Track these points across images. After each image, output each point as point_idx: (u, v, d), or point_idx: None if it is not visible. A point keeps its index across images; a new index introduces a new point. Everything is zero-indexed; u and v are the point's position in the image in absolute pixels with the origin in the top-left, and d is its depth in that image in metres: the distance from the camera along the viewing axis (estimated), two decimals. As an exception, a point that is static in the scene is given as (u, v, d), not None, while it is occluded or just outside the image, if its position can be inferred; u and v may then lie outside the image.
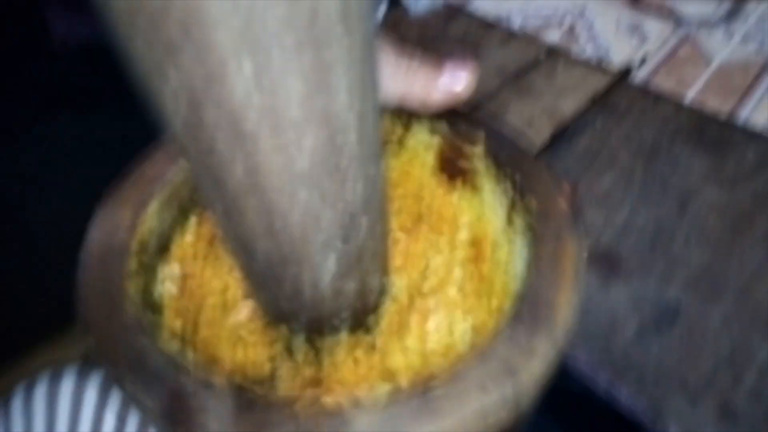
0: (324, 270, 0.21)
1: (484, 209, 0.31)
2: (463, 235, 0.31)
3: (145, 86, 0.17)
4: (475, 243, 0.31)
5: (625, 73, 0.72)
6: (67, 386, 0.32)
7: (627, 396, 0.43)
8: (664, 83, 0.70)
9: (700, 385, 0.43)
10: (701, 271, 0.51)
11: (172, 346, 0.23)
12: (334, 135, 0.17)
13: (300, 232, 0.19)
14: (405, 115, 0.31)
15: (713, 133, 0.64)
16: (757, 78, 0.71)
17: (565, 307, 0.22)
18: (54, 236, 0.42)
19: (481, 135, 0.30)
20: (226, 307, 0.29)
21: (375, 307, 0.26)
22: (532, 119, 0.67)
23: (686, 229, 0.54)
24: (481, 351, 0.20)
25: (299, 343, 0.25)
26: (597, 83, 0.71)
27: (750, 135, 0.63)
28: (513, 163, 0.29)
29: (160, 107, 0.17)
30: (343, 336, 0.26)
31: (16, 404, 0.31)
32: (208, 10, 0.13)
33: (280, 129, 0.16)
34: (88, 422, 0.30)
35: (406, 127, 0.32)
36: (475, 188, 0.31)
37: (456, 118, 0.31)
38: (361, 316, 0.25)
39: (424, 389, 0.19)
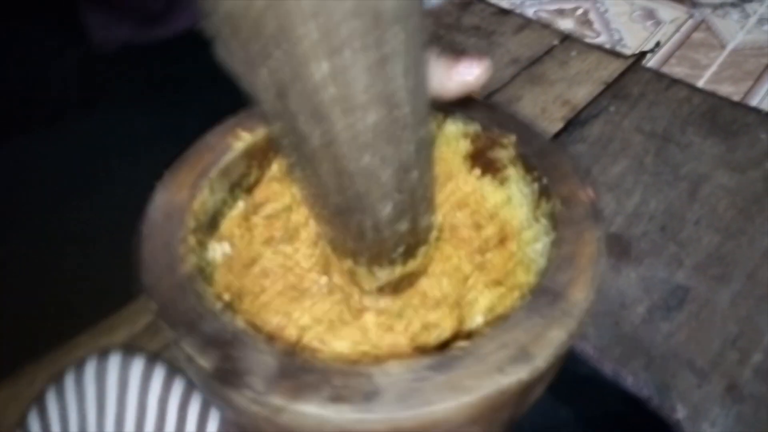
0: (383, 215, 0.25)
1: (510, 200, 0.32)
2: (489, 219, 0.33)
3: (240, 78, 0.21)
4: (500, 228, 0.32)
5: (639, 58, 0.73)
6: (113, 368, 0.35)
7: (634, 376, 0.44)
8: (678, 68, 0.71)
9: (707, 366, 0.45)
10: (711, 254, 0.52)
11: (224, 313, 0.25)
12: (392, 110, 0.21)
13: (364, 188, 0.23)
14: (444, 106, 0.33)
15: (726, 117, 0.64)
16: (773, 60, 0.71)
17: (582, 303, 0.24)
18: (98, 228, 0.44)
19: (512, 129, 0.32)
20: (268, 278, 0.32)
21: (425, 240, 0.29)
22: (545, 106, 0.68)
23: (697, 213, 0.55)
24: (501, 335, 0.22)
25: (363, 272, 0.28)
26: (610, 69, 0.72)
27: (764, 117, 0.63)
28: (540, 159, 0.30)
29: (252, 95, 0.21)
30: (398, 269, 0.29)
31: (69, 385, 0.34)
32: (295, 23, 0.17)
33: (349, 111, 0.20)
34: (133, 407, 0.33)
35: (445, 116, 0.33)
36: (503, 180, 0.33)
37: (490, 111, 0.33)
38: (414, 250, 0.28)
39: (447, 364, 0.21)
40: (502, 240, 0.33)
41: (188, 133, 0.32)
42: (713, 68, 0.70)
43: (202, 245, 0.29)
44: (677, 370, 0.45)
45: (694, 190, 0.57)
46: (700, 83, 0.68)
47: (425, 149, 0.25)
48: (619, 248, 0.53)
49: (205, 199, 0.30)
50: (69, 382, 0.34)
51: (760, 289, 0.49)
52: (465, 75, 0.31)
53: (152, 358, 0.36)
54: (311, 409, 0.20)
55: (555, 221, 0.27)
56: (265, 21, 0.17)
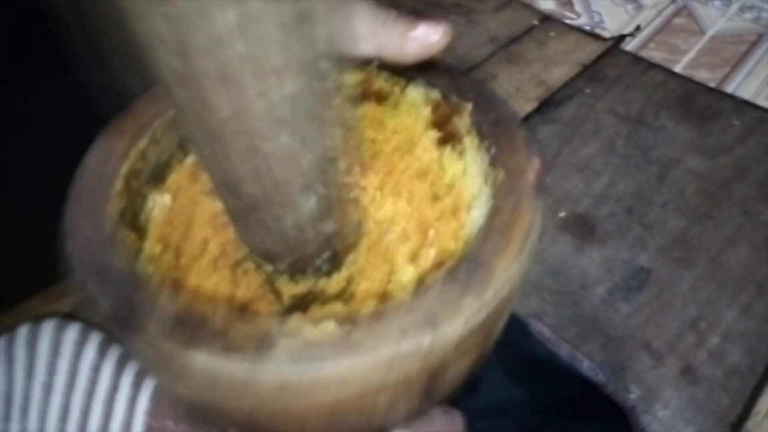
0: (305, 212, 0.23)
1: (466, 171, 0.32)
2: (447, 190, 0.32)
3: (137, 36, 0.18)
4: (455, 200, 0.32)
5: (618, 41, 0.72)
6: (46, 335, 0.33)
7: (590, 359, 0.43)
8: (657, 53, 0.70)
9: (663, 347, 0.44)
10: (675, 237, 0.51)
11: (144, 267, 0.24)
12: (313, 82, 0.19)
13: (282, 175, 0.21)
14: (406, 71, 0.32)
15: (701, 102, 0.63)
16: (752, 47, 0.70)
17: (502, 272, 0.22)
18: (38, 192, 0.43)
19: (471, 96, 0.31)
20: (209, 242, 0.31)
21: (353, 247, 0.27)
22: (520, 85, 0.67)
23: (665, 196, 0.55)
24: (413, 301, 0.21)
25: (283, 281, 0.27)
26: (588, 51, 0.71)
27: (738, 104, 0.63)
28: (493, 129, 0.29)
29: (151, 58, 0.18)
30: (322, 281, 0.27)
31: (20, 343, 0.33)
32: None
33: (262, 75, 0.18)
34: (64, 373, 0.32)
35: (408, 80, 0.32)
36: (461, 150, 0.32)
37: (452, 77, 0.32)
38: (341, 258, 0.27)
39: (349, 327, 0.20)
40: (454, 211, 0.32)
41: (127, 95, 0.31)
42: (691, 54, 0.69)
43: (139, 194, 0.28)
44: (633, 351, 0.44)
45: (664, 174, 0.56)
46: (678, 68, 0.68)
47: (353, 137, 0.23)
48: (583, 228, 0.52)
49: (146, 147, 0.29)
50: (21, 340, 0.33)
51: (721, 274, 0.48)
52: (423, 38, 0.30)
53: (89, 326, 0.35)
54: (201, 357, 0.19)
55: (497, 190, 0.27)
56: None
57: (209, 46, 0.17)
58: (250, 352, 0.19)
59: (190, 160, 0.31)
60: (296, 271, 0.26)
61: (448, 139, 0.32)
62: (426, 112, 0.32)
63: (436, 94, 0.31)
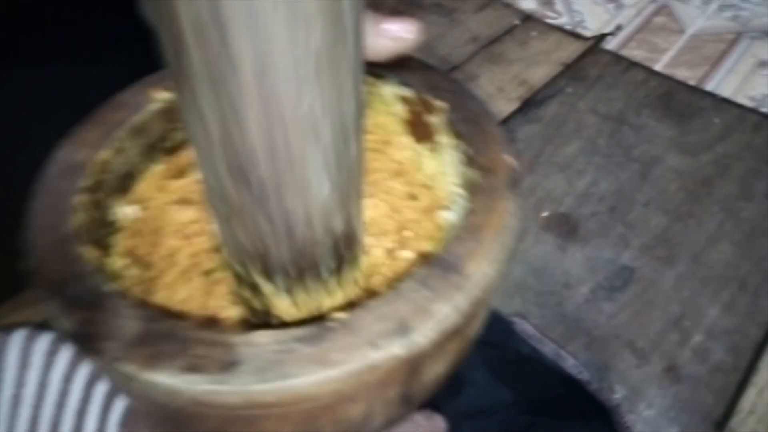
0: (318, 201, 0.21)
1: (443, 169, 0.31)
2: (424, 190, 0.32)
3: None
4: (432, 199, 0.31)
5: (599, 41, 0.72)
6: (15, 345, 0.32)
7: (575, 357, 0.43)
8: (637, 51, 0.70)
9: (647, 346, 0.44)
10: (657, 236, 0.51)
11: (108, 283, 0.23)
12: (337, 41, 0.17)
13: (300, 150, 0.19)
14: (379, 69, 0.31)
15: (681, 101, 0.63)
16: (731, 45, 0.70)
17: (475, 276, 0.22)
18: (8, 194, 0.42)
19: (446, 93, 0.30)
20: (180, 252, 0.30)
21: (356, 260, 0.25)
22: (502, 85, 0.67)
23: (647, 194, 0.54)
24: (381, 308, 0.20)
25: (284, 306, 0.24)
26: (570, 51, 0.71)
27: (718, 101, 0.63)
28: (469, 129, 0.29)
29: (167, 12, 0.16)
30: (326, 300, 0.25)
31: None
32: None
33: (293, 22, 0.16)
34: (33, 385, 0.31)
35: (380, 78, 0.32)
36: (436, 148, 0.31)
37: (426, 73, 0.31)
38: (346, 269, 0.25)
39: (317, 336, 0.19)
40: (429, 211, 0.31)
41: (108, 93, 0.30)
42: (671, 52, 0.70)
43: (103, 206, 0.27)
44: (617, 351, 0.44)
45: (646, 172, 0.56)
46: (658, 67, 0.68)
47: (362, 120, 0.21)
48: (566, 228, 0.52)
49: (109, 157, 0.28)
50: None
51: (704, 271, 0.48)
52: (395, 35, 0.29)
53: (61, 336, 0.34)
54: (162, 378, 0.18)
55: (473, 192, 0.26)
56: None
57: None
58: (213, 371, 0.18)
59: (158, 168, 0.30)
60: (301, 286, 0.24)
61: (422, 137, 0.32)
62: (400, 110, 0.32)
63: (410, 93, 0.31)
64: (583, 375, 0.42)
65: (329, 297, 0.25)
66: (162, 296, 0.27)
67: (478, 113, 0.29)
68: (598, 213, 0.53)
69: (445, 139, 0.31)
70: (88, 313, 0.20)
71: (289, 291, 0.24)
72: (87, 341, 0.20)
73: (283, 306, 0.24)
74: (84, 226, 0.25)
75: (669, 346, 0.44)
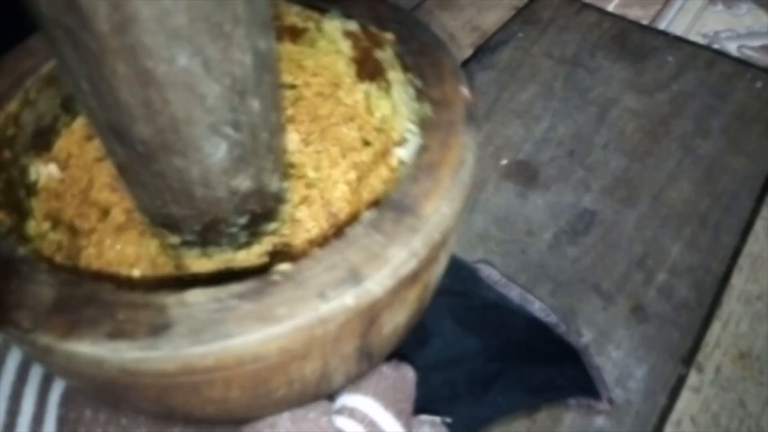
0: (214, 162, 0.19)
1: (395, 109, 0.29)
2: (376, 134, 0.30)
3: None
4: (385, 143, 0.29)
5: (550, -18, 0.70)
6: None
7: (541, 302, 0.42)
8: (589, -8, 0.68)
9: (612, 288, 0.44)
10: (617, 177, 0.50)
11: (25, 248, 0.20)
12: None
13: (183, 111, 0.17)
14: (319, 1, 0.29)
15: (635, 40, 0.62)
16: (681, -15, 0.69)
17: (432, 216, 0.20)
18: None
19: (393, 24, 0.28)
20: (106, 212, 0.27)
21: (274, 214, 0.24)
22: (454, 32, 0.65)
23: (605, 137, 0.53)
24: (330, 256, 0.18)
25: (192, 256, 0.23)
26: (521, -6, 0.69)
27: (671, 40, 0.62)
28: (419, 58, 0.26)
29: None
30: (241, 254, 0.24)
31: None
32: None
33: None
34: None
35: (322, 12, 0.29)
36: (387, 86, 0.29)
37: (370, 3, 0.29)
38: (260, 225, 0.23)
39: (259, 291, 0.17)
40: (383, 154, 0.29)
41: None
42: (623, -8, 0.68)
43: (14, 165, 0.24)
44: (583, 294, 0.43)
45: (603, 114, 0.55)
46: (610, 7, 0.66)
47: (268, 73, 0.19)
48: (526, 175, 0.51)
49: (17, 111, 0.24)
50: None
51: (665, 210, 0.48)
52: None
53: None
54: (83, 348, 0.16)
55: (425, 127, 0.24)
56: None
57: None
58: (141, 336, 0.16)
59: (79, 122, 0.27)
60: (208, 242, 0.22)
61: (373, 76, 0.29)
62: (345, 47, 0.29)
63: (354, 26, 0.28)
64: (550, 318, 0.41)
65: (244, 249, 0.23)
66: (91, 256, 0.25)
67: (428, 43, 0.27)
68: (558, 158, 0.52)
69: (394, 75, 0.28)
70: None
71: (199, 245, 0.22)
72: None
73: (193, 255, 0.23)
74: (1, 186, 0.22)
75: (634, 287, 0.43)
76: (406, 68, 0.27)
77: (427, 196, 0.21)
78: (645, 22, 0.64)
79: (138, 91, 0.16)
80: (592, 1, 0.67)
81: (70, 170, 0.27)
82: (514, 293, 0.42)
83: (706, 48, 0.61)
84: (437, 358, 0.40)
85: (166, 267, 0.26)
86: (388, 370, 0.27)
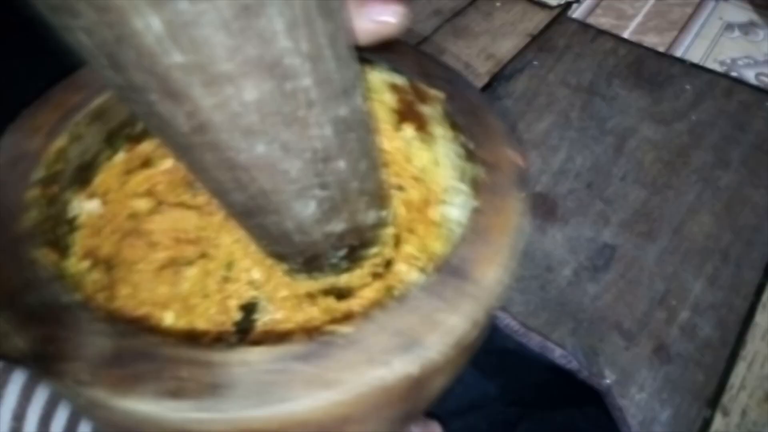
0: (306, 216, 0.21)
1: (438, 162, 0.29)
2: (413, 182, 0.29)
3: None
4: (424, 194, 0.29)
5: (564, 9, 0.70)
6: None
7: (562, 348, 0.42)
8: (604, 19, 0.68)
9: (634, 327, 0.43)
10: (637, 210, 0.50)
11: (68, 290, 0.20)
12: (282, 83, 0.16)
13: (270, 185, 0.19)
14: (366, 54, 0.29)
15: (651, 68, 0.62)
16: (697, 9, 0.69)
17: (491, 285, 0.20)
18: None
19: (441, 81, 0.28)
20: (153, 248, 0.27)
21: (374, 241, 0.25)
22: (469, 60, 0.65)
23: (623, 168, 0.53)
24: (391, 320, 0.18)
25: (301, 278, 0.25)
26: (535, 21, 0.68)
27: (688, 68, 0.62)
28: (468, 118, 0.26)
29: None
30: (344, 277, 0.26)
31: None
32: None
33: (213, 85, 0.15)
34: None
35: (368, 64, 0.29)
36: (430, 140, 0.29)
37: (418, 59, 0.29)
38: (360, 252, 0.25)
39: (322, 354, 0.17)
40: (424, 206, 0.29)
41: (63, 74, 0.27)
42: (639, 18, 0.68)
43: (59, 201, 0.24)
44: (605, 334, 0.43)
45: (620, 145, 0.55)
46: (626, 34, 0.66)
47: (353, 131, 0.20)
48: (544, 208, 0.50)
49: (65, 146, 0.24)
50: None
51: (686, 244, 0.47)
52: (379, 17, 0.26)
53: (9, 365, 0.30)
54: (137, 405, 0.16)
55: (477, 189, 0.24)
56: None
57: (141, 59, 0.14)
58: (198, 396, 0.16)
59: (120, 157, 0.27)
60: (312, 270, 0.25)
61: (415, 127, 0.29)
62: (389, 98, 0.29)
63: (401, 80, 0.28)
64: (572, 365, 0.41)
65: (346, 273, 0.25)
66: (125, 297, 0.25)
67: (476, 104, 0.27)
68: (576, 190, 0.52)
69: (440, 131, 0.28)
70: (46, 328, 0.18)
71: (305, 272, 0.25)
72: (46, 362, 0.17)
73: (301, 278, 0.25)
74: (38, 224, 0.22)
75: (656, 325, 0.43)
76: (454, 126, 0.27)
77: (484, 262, 0.20)
78: (661, 49, 0.64)
79: (225, 172, 0.18)
80: (608, 28, 0.67)
81: (109, 206, 0.27)
82: (533, 342, 0.42)
83: (724, 76, 0.61)
84: (457, 404, 0.39)
85: (197, 308, 0.27)
86: (416, 429, 0.27)
